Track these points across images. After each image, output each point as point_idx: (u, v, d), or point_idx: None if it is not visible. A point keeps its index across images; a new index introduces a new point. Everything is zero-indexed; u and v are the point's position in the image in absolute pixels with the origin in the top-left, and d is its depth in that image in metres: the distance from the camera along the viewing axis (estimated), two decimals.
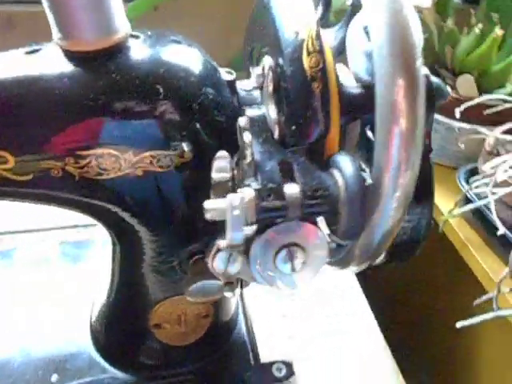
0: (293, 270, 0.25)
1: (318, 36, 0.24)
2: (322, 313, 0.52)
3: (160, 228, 0.31)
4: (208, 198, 0.31)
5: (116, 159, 0.26)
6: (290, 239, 0.25)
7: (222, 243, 0.24)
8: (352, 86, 0.26)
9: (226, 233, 0.22)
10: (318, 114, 0.24)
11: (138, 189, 0.28)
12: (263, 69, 0.27)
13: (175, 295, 0.37)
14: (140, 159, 0.26)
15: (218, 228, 0.34)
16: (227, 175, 0.25)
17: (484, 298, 0.59)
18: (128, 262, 0.36)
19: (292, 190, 0.23)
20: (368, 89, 0.25)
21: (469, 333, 0.62)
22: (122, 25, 0.26)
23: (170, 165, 0.27)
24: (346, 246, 0.27)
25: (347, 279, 0.56)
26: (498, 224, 0.55)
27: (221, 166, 0.24)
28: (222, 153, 0.24)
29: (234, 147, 0.26)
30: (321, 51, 0.24)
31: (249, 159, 0.24)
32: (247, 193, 0.22)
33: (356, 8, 0.26)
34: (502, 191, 0.54)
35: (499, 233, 0.55)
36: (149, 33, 0.28)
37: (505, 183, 0.54)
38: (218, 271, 0.25)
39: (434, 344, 0.80)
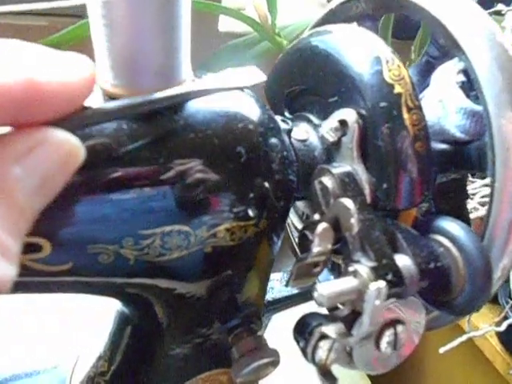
0: (394, 348, 0.22)
1: (415, 90, 0.22)
2: None
3: (205, 301, 0.26)
4: (264, 268, 0.28)
5: (185, 236, 0.21)
6: (394, 317, 0.22)
7: (327, 330, 0.21)
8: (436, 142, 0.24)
9: (362, 324, 0.19)
10: (423, 176, 0.22)
11: (195, 265, 0.23)
12: (341, 122, 0.24)
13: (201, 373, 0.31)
14: (213, 234, 0.21)
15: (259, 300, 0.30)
16: (327, 249, 0.21)
17: None
18: (146, 336, 0.30)
19: (405, 263, 0.21)
20: (459, 145, 0.24)
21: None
22: (188, 71, 0.21)
23: (242, 237, 0.22)
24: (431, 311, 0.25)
25: None
26: None
27: (324, 239, 0.21)
28: (324, 224, 0.21)
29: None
30: (420, 107, 0.22)
31: (355, 230, 0.21)
32: (381, 281, 0.19)
33: (433, 60, 0.25)
34: None
35: None
36: (201, 75, 0.23)
37: None
38: (319, 361, 0.21)
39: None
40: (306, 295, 0.39)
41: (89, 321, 0.36)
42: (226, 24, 0.92)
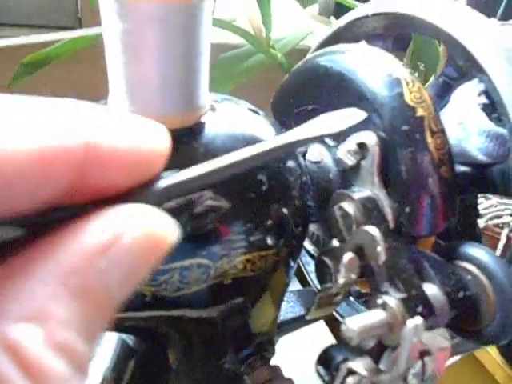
0: (422, 380, 0.22)
1: (437, 112, 0.22)
2: None
3: (218, 327, 0.25)
4: (279, 292, 0.27)
5: (205, 270, 0.20)
6: (423, 349, 0.21)
7: (356, 366, 0.20)
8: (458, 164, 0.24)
9: (398, 363, 0.18)
10: (448, 201, 0.21)
11: (212, 294, 0.22)
12: (360, 145, 0.23)
13: None
14: (233, 266, 0.20)
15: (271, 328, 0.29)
16: (352, 279, 0.20)
17: None
18: (153, 368, 0.28)
19: (434, 293, 0.20)
20: (481, 168, 0.24)
21: None
22: (206, 97, 0.20)
23: (261, 267, 0.21)
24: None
25: None
26: None
27: (350, 269, 0.20)
28: (350, 254, 0.20)
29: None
30: (443, 130, 0.21)
31: (382, 259, 0.20)
32: (417, 318, 0.18)
33: (451, 81, 0.24)
34: None
35: None
36: (217, 100, 0.22)
37: None
38: None
39: None
40: None
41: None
42: (217, 36, 0.91)
